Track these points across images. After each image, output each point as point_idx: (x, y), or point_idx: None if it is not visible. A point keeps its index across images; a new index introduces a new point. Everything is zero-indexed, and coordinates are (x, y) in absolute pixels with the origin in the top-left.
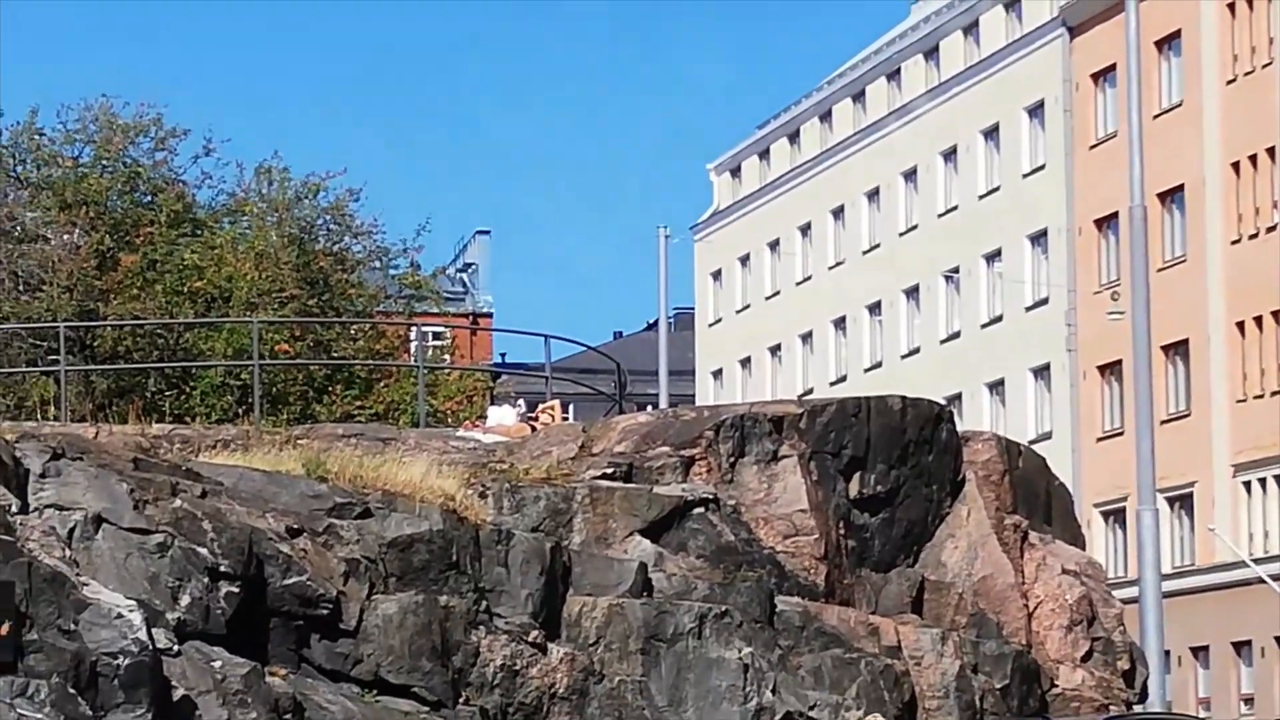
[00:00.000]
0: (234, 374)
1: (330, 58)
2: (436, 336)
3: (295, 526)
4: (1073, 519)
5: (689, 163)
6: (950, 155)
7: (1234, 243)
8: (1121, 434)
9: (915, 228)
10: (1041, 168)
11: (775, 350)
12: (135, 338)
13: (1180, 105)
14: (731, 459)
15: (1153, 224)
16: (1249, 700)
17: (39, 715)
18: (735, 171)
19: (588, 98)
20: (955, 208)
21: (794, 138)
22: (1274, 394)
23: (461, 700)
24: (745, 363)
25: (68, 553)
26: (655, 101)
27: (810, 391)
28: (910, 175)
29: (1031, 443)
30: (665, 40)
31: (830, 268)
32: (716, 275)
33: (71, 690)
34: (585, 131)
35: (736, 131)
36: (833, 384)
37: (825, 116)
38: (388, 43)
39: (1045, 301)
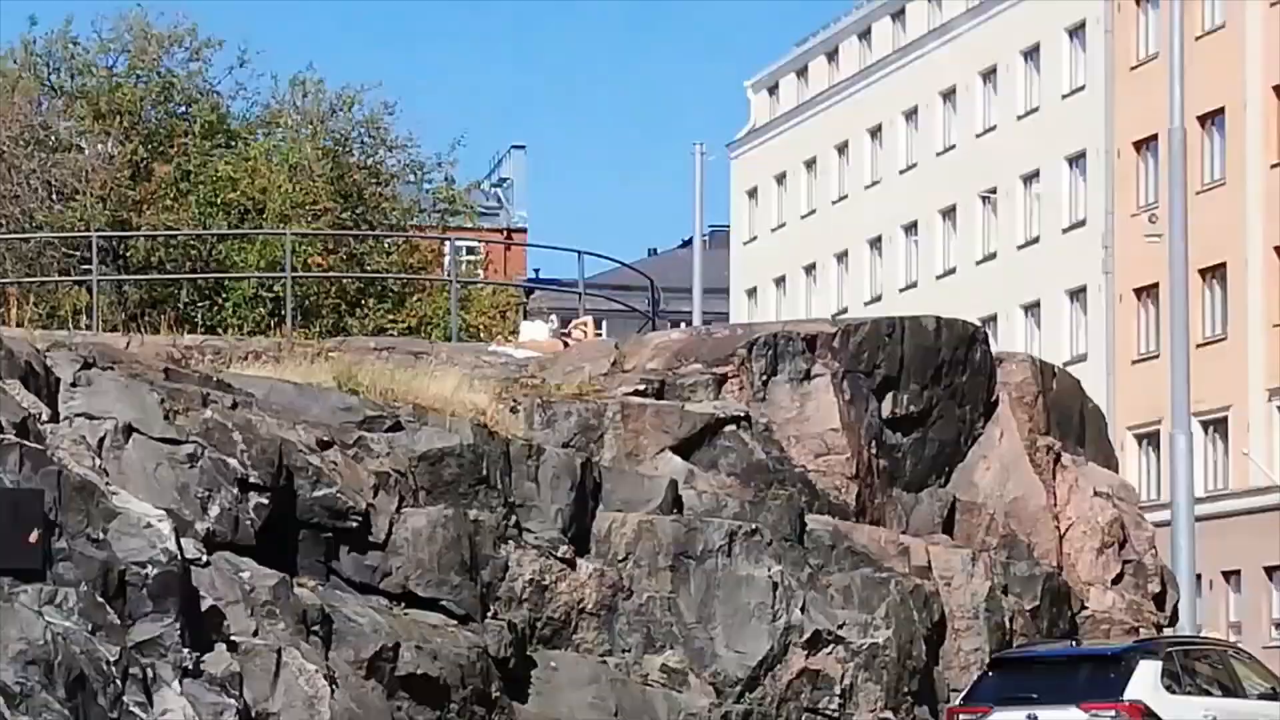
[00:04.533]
0: (266, 286)
1: None
2: (470, 251)
3: (325, 439)
4: (1106, 441)
5: (727, 80)
6: (990, 75)
7: (1274, 166)
8: (1157, 357)
9: (953, 148)
10: (1081, 89)
11: (810, 269)
12: (168, 248)
13: (1222, 27)
14: (764, 377)
15: (1192, 146)
16: None
17: (67, 623)
18: (773, 89)
19: (626, 10)
20: (993, 128)
21: (832, 56)
22: None
23: (490, 614)
24: (780, 281)
25: (97, 462)
26: (694, 17)
27: (844, 311)
28: (949, 95)
29: (1066, 365)
30: None
31: (867, 187)
32: (752, 193)
33: (100, 599)
34: (622, 46)
35: (775, 49)
36: (867, 304)
37: (864, 35)
38: None
39: (1082, 223)
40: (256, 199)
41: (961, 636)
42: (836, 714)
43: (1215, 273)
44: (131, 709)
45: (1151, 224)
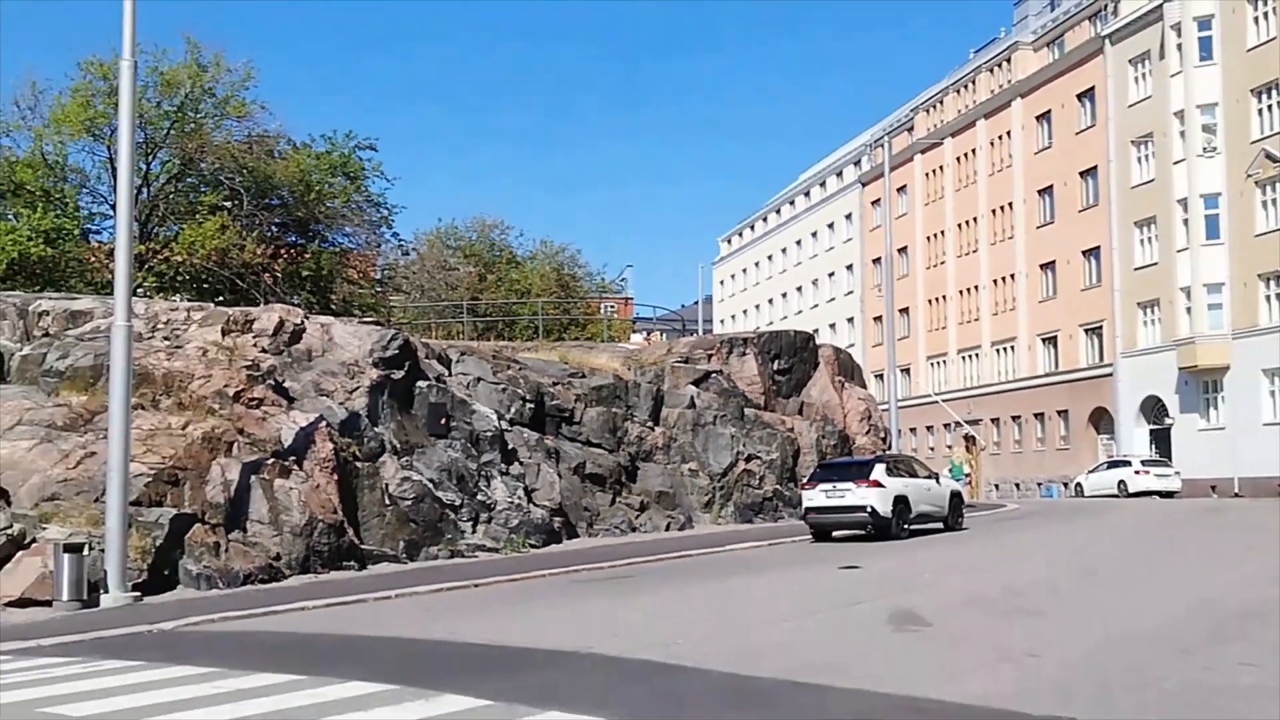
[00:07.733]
0: (532, 323)
1: (567, 174)
2: (611, 307)
3: (556, 382)
4: (862, 378)
5: (712, 231)
6: (815, 234)
7: (929, 301)
8: (881, 345)
9: (803, 264)
10: (849, 268)
11: (746, 312)
12: (492, 309)
13: (905, 214)
14: (727, 354)
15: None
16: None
17: (456, 455)
18: (729, 240)
19: (681, 196)
20: (815, 255)
21: (753, 227)
22: (941, 328)
23: (621, 449)
24: (733, 317)
25: (466, 392)
26: (697, 203)
27: (758, 328)
28: (799, 242)
29: (847, 348)
30: (689, 169)
31: (768, 279)
32: (723, 282)
33: (469, 444)
34: (674, 214)
35: (732, 218)
36: (769, 324)
37: (776, 213)
38: (600, 159)
39: (850, 293)
40: (527, 290)
41: (806, 456)
42: (758, 485)
43: (906, 310)
44: (482, 489)
45: (879, 294)
